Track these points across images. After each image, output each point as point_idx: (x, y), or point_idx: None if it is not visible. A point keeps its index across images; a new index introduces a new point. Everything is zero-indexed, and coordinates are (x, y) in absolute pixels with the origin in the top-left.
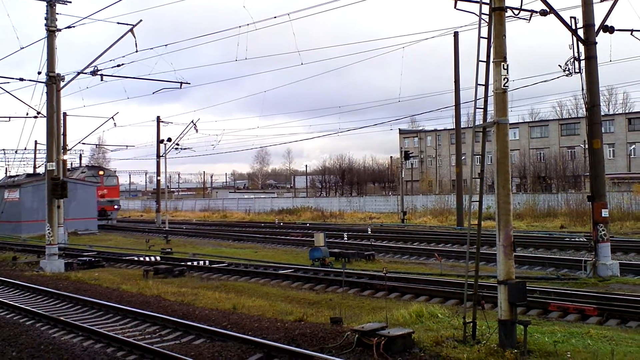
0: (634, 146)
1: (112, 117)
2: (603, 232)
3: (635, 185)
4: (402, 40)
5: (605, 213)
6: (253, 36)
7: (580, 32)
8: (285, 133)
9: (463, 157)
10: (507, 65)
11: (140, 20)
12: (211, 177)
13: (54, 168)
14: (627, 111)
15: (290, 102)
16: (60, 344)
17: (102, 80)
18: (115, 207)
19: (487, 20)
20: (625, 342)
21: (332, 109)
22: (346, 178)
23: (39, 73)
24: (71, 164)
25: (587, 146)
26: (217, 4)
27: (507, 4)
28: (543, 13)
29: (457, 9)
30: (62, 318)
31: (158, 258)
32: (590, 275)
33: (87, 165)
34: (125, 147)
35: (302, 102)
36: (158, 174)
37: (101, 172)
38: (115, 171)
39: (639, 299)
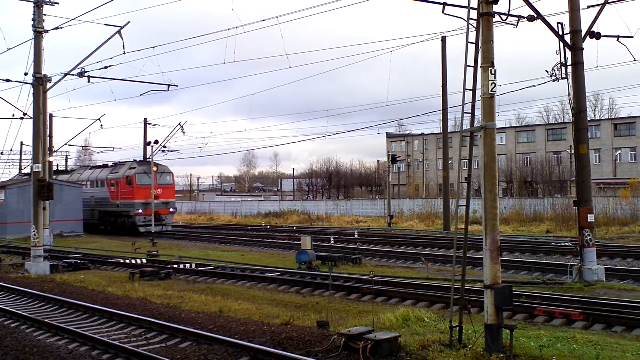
0: (619, 151)
1: (99, 119)
2: (589, 237)
3: (620, 191)
4: (390, 45)
5: (591, 218)
6: (241, 39)
7: (567, 38)
8: (273, 136)
9: (450, 162)
10: (495, 70)
11: (128, 22)
12: (198, 179)
13: (40, 170)
14: (613, 117)
15: (278, 105)
16: (45, 347)
17: (89, 81)
18: (171, 209)
19: (475, 25)
20: (610, 346)
21: (320, 112)
22: (333, 181)
23: (26, 74)
24: (57, 165)
25: (573, 151)
26: (206, 7)
27: (494, 9)
28: (530, 19)
29: (445, 14)
30: (47, 320)
31: (144, 261)
32: (575, 280)
33: (135, 160)
34: (112, 149)
35: (290, 105)
36: None
37: (155, 168)
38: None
39: (624, 304)
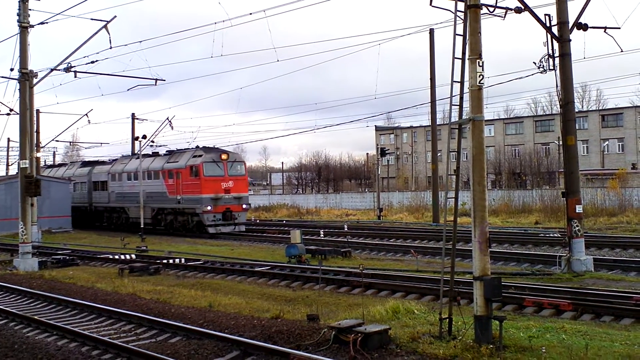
0: (607, 142)
1: (86, 114)
2: (577, 228)
3: (608, 181)
4: (378, 38)
5: (579, 209)
6: (229, 33)
7: (555, 30)
8: (262, 130)
9: (439, 154)
10: (483, 62)
11: (115, 17)
12: None
13: (27, 166)
14: (600, 108)
15: (267, 99)
16: (35, 343)
17: (75, 77)
18: (244, 206)
19: (463, 17)
20: (599, 336)
21: (308, 105)
22: (322, 175)
23: (12, 69)
24: (44, 161)
25: (561, 142)
26: (193, 1)
27: (482, 1)
28: (518, 10)
29: (433, 6)
30: (36, 317)
31: (133, 256)
32: (564, 271)
33: (198, 147)
34: (100, 144)
35: (279, 99)
36: None
37: (224, 156)
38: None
39: (612, 294)
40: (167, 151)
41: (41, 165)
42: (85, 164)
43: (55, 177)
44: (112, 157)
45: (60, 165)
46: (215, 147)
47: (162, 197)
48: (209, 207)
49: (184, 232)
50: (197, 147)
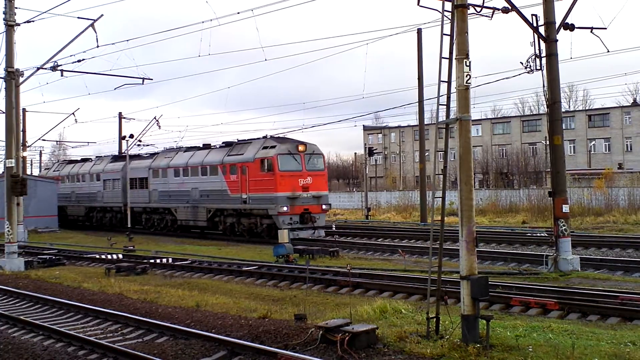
0: (593, 142)
1: (73, 113)
2: (564, 227)
3: (595, 181)
4: (366, 37)
5: (565, 208)
6: (216, 32)
7: (542, 30)
8: (250, 129)
9: (427, 154)
10: (470, 62)
11: (102, 15)
12: None
13: (13, 165)
14: (587, 108)
15: (254, 98)
16: (20, 344)
17: (62, 75)
18: (323, 206)
19: (450, 17)
20: (585, 335)
21: (296, 105)
22: None
23: None
24: (31, 161)
25: (548, 142)
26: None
27: (469, 1)
28: (505, 10)
29: (420, 6)
30: (22, 317)
31: (120, 256)
32: (551, 270)
33: (267, 136)
34: (87, 143)
35: (267, 99)
36: None
37: (302, 148)
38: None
39: (599, 293)
40: (223, 142)
41: (60, 161)
42: (116, 158)
43: (79, 172)
44: (97, 154)
45: (84, 160)
46: (287, 137)
47: (222, 195)
48: (285, 208)
49: (249, 238)
50: (266, 136)
